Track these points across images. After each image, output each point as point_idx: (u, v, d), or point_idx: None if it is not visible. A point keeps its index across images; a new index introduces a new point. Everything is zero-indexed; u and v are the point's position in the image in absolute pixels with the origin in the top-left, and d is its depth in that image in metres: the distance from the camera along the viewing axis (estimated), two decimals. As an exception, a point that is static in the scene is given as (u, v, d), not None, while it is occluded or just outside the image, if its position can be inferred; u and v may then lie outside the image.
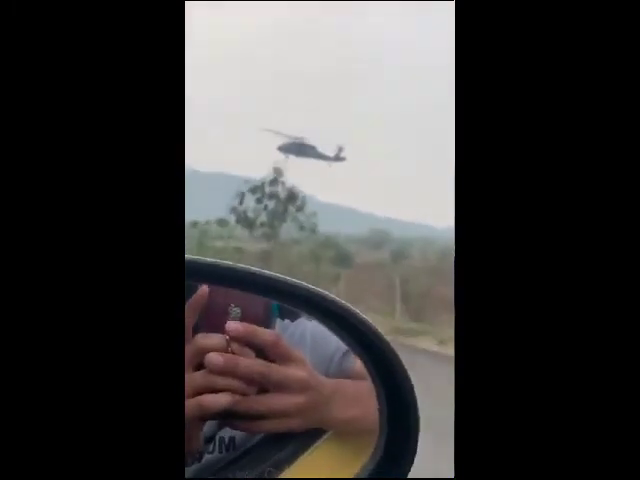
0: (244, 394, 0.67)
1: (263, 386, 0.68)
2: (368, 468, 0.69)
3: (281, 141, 24.57)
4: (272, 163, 20.49)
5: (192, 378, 0.65)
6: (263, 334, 0.67)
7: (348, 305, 0.68)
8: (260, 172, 20.66)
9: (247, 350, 0.67)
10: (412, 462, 0.69)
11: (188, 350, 0.65)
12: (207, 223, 19.50)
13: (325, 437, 0.72)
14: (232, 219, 19.84)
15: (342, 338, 0.70)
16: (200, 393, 0.65)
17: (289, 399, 0.68)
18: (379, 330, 0.68)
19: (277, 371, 0.68)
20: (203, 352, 0.66)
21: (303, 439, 0.71)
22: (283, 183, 20.06)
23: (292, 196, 19.91)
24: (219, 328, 0.66)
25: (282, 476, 0.70)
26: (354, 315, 0.67)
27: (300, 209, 19.94)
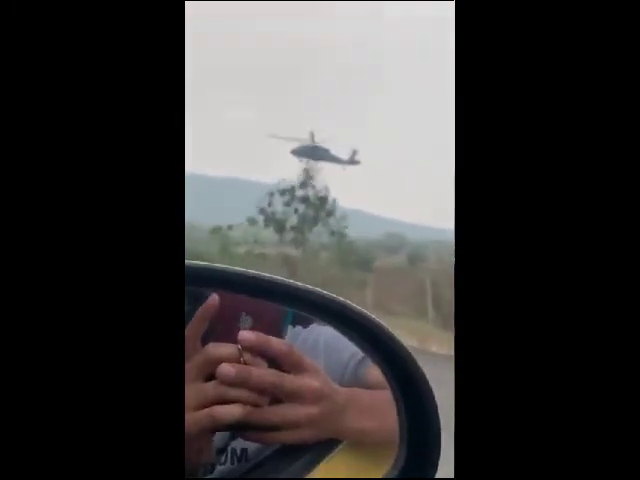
0: (256, 405, 0.65)
1: (276, 396, 0.67)
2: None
3: (292, 145, 23.97)
4: (299, 167, 20.08)
5: (203, 389, 0.64)
6: (276, 344, 0.66)
7: (365, 311, 0.67)
8: (273, 177, 20.18)
9: (259, 360, 0.66)
10: (436, 470, 0.67)
11: (199, 360, 0.65)
12: (229, 228, 18.80)
13: (340, 447, 0.71)
14: (261, 220, 19.11)
15: (359, 346, 0.69)
16: (212, 404, 0.64)
17: (302, 410, 0.67)
18: (396, 336, 0.67)
19: (290, 381, 0.66)
20: (214, 362, 0.65)
21: (317, 450, 0.70)
22: (314, 186, 19.55)
23: (323, 200, 19.28)
24: (230, 337, 0.65)
25: None
26: (370, 321, 0.66)
27: (331, 213, 19.24)
